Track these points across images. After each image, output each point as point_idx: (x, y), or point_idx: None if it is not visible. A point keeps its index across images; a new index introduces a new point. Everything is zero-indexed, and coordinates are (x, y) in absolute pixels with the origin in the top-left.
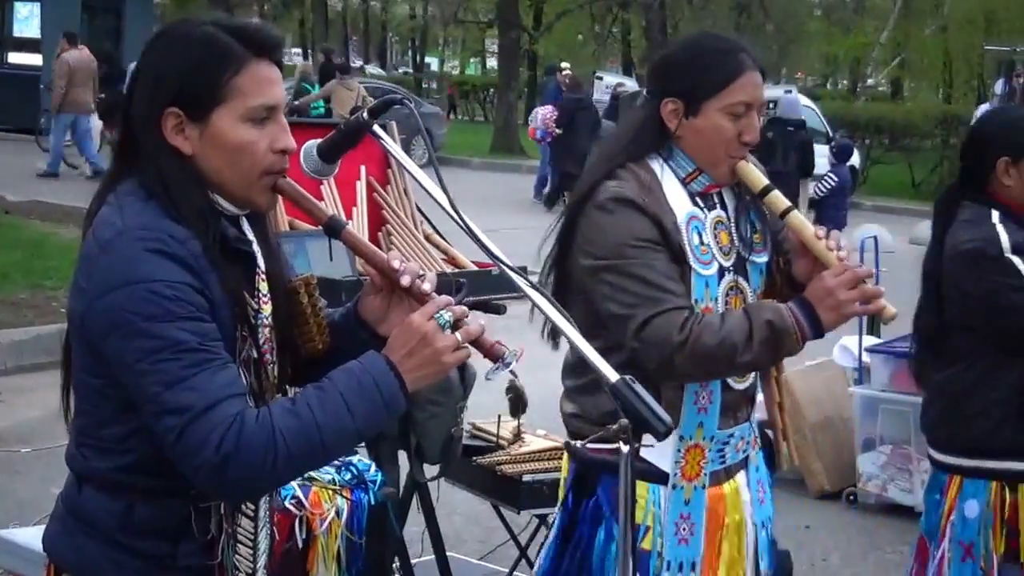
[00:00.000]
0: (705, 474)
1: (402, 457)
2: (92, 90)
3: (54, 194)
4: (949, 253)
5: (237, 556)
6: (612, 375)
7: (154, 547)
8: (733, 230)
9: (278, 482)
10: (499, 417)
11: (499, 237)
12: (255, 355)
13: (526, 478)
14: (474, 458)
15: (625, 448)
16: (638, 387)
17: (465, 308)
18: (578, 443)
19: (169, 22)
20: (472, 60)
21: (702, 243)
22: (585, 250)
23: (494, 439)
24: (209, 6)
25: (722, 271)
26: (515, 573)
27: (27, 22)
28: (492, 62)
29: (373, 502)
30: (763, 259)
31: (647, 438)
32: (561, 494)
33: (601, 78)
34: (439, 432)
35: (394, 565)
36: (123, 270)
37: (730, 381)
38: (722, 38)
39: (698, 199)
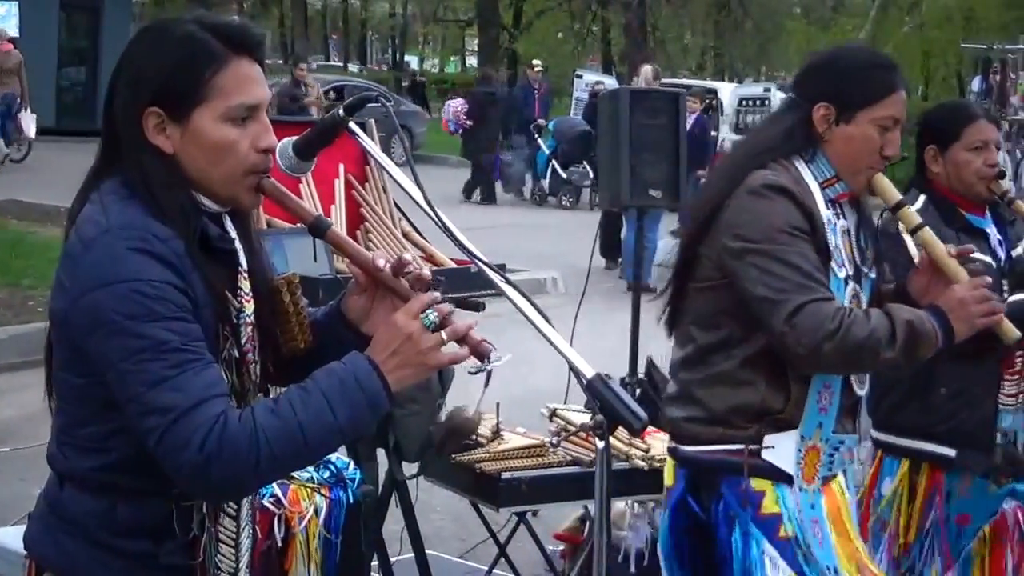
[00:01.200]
0: (819, 478)
1: (381, 455)
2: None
3: (31, 193)
4: None
5: (219, 556)
6: (588, 371)
7: (136, 546)
8: (854, 242)
9: (261, 482)
10: (479, 414)
11: (477, 235)
12: (237, 354)
13: (505, 476)
14: (453, 456)
15: (600, 444)
16: (614, 384)
17: (451, 306)
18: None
19: (150, 20)
20: (452, 59)
21: (837, 246)
22: (734, 233)
23: (473, 437)
24: (188, 5)
25: (847, 278)
26: (494, 571)
27: (4, 21)
28: (472, 60)
29: (352, 500)
30: (873, 275)
31: (768, 439)
32: (664, 501)
33: (581, 76)
34: (418, 430)
35: (373, 564)
36: (106, 269)
37: (853, 385)
38: (879, 54)
39: (831, 205)
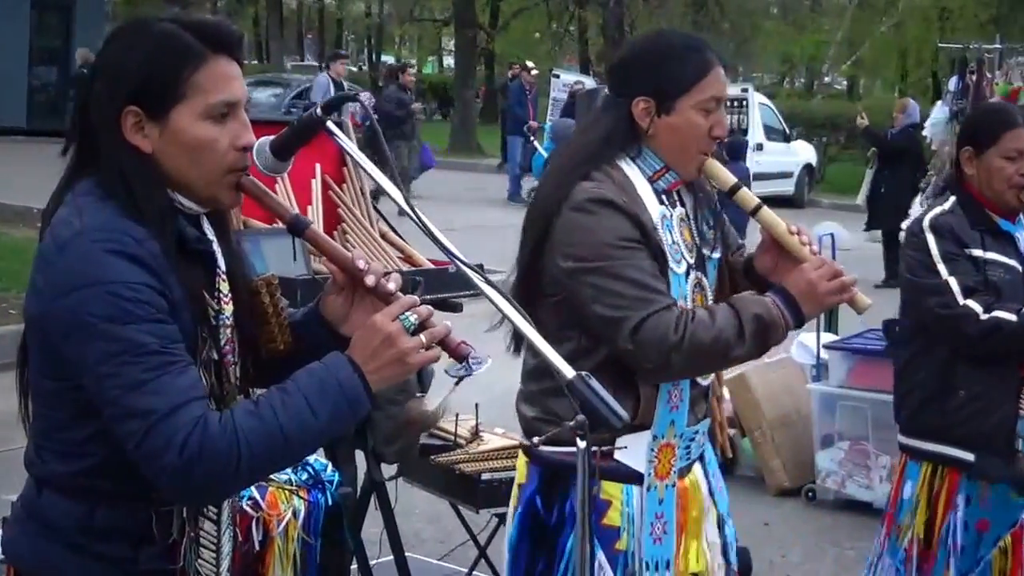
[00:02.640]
0: (675, 471)
1: (359, 457)
2: None
3: (4, 194)
4: None
5: (200, 560)
6: (568, 372)
7: (115, 551)
8: (694, 227)
9: (242, 485)
10: (457, 416)
11: (457, 235)
12: (216, 357)
13: (484, 477)
14: (432, 457)
15: (583, 444)
16: (594, 383)
17: (431, 308)
18: (535, 440)
19: (127, 19)
20: (429, 58)
21: (673, 241)
22: (565, 252)
23: (452, 438)
24: (163, 3)
25: (688, 268)
26: (474, 573)
27: None
28: (449, 60)
29: (330, 502)
30: (717, 255)
31: (621, 440)
32: (517, 497)
33: (558, 76)
34: (397, 432)
35: (352, 567)
36: (82, 271)
37: (698, 378)
38: (686, 35)
39: (663, 197)
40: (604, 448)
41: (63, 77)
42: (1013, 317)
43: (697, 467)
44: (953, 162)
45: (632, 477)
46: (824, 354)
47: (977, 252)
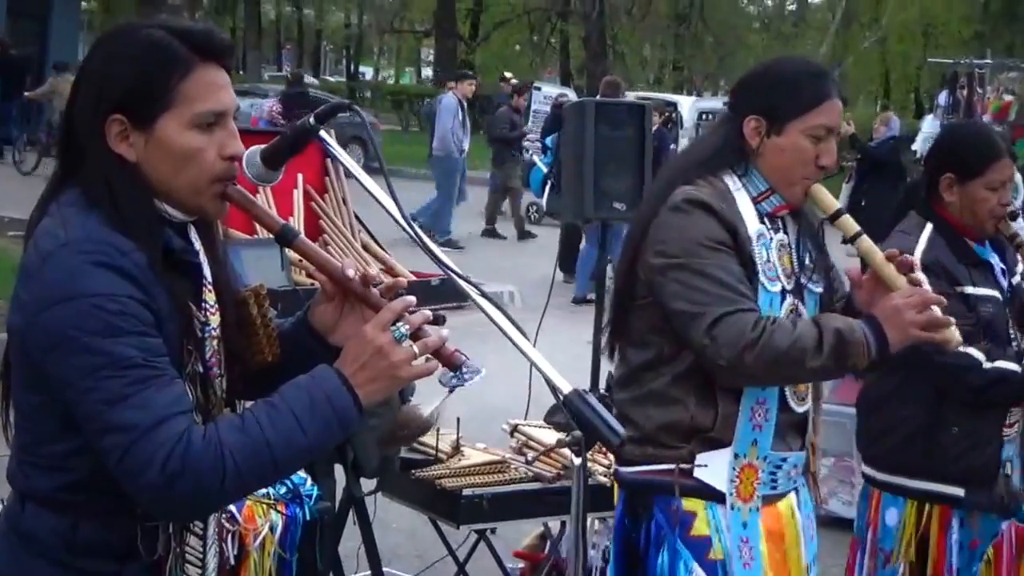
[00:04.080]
0: (758, 496)
1: (338, 470)
2: None
3: None
4: None
5: None
6: (565, 386)
7: (99, 566)
8: (794, 255)
9: (226, 501)
10: (438, 430)
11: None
12: (201, 369)
13: (466, 492)
14: (412, 472)
15: (577, 460)
16: (591, 398)
17: (427, 314)
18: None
19: (98, 28)
20: (407, 70)
21: (769, 260)
22: (656, 249)
23: (433, 452)
24: (138, 11)
25: (784, 292)
26: None
27: None
28: (428, 71)
29: (308, 517)
30: (819, 289)
31: (701, 457)
32: (614, 524)
33: (540, 88)
34: (377, 445)
35: None
36: (65, 283)
37: (790, 402)
38: (811, 62)
39: (766, 219)
40: (683, 466)
41: (37, 86)
42: (1017, 368)
43: (792, 497)
44: (925, 186)
45: (714, 496)
46: None
47: (969, 289)
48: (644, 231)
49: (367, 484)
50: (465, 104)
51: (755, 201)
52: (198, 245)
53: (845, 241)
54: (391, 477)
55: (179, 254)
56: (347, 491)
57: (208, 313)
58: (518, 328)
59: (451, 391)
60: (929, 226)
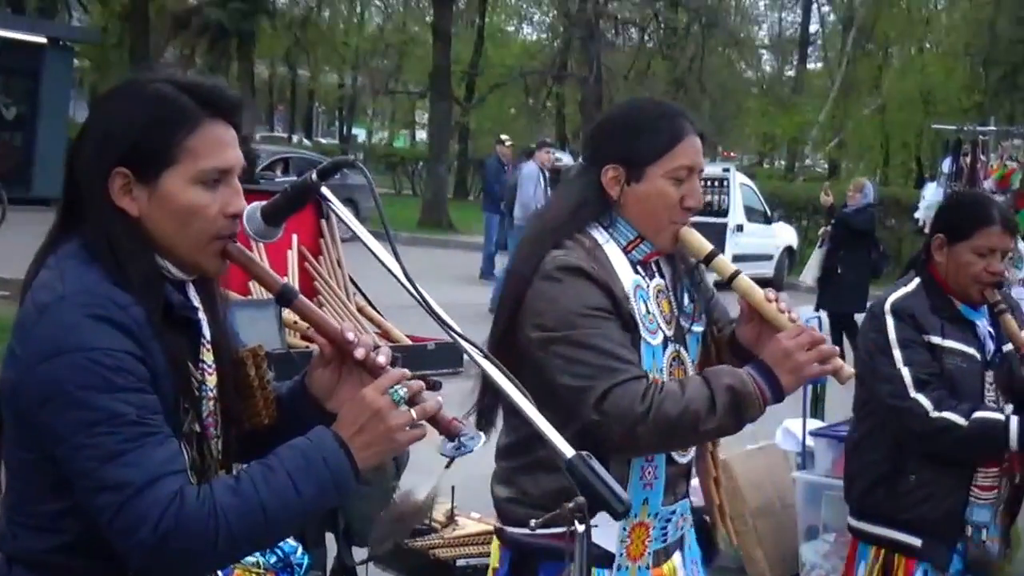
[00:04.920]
0: (649, 553)
1: (330, 539)
2: None
3: None
4: None
5: None
6: (568, 451)
7: None
8: (673, 299)
9: (219, 564)
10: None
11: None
12: (198, 428)
13: (460, 563)
14: (406, 541)
15: (581, 528)
16: (595, 463)
17: (422, 383)
18: (531, 523)
19: (90, 87)
20: (402, 132)
21: (648, 312)
22: (534, 322)
23: (427, 521)
24: (130, 71)
25: (666, 341)
26: None
27: None
28: (422, 134)
29: None
30: (700, 329)
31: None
32: None
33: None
34: (369, 513)
35: None
36: (61, 337)
37: (674, 455)
38: (661, 103)
39: (639, 267)
40: (572, 528)
41: (28, 143)
42: (963, 421)
43: (677, 556)
44: (924, 243)
45: (603, 559)
46: (810, 441)
47: (936, 339)
48: (517, 301)
49: (359, 553)
50: (546, 172)
51: (625, 251)
52: (197, 303)
53: (722, 283)
54: (384, 546)
55: (178, 311)
56: (339, 560)
57: (205, 372)
58: (520, 390)
59: (449, 463)
60: (917, 279)
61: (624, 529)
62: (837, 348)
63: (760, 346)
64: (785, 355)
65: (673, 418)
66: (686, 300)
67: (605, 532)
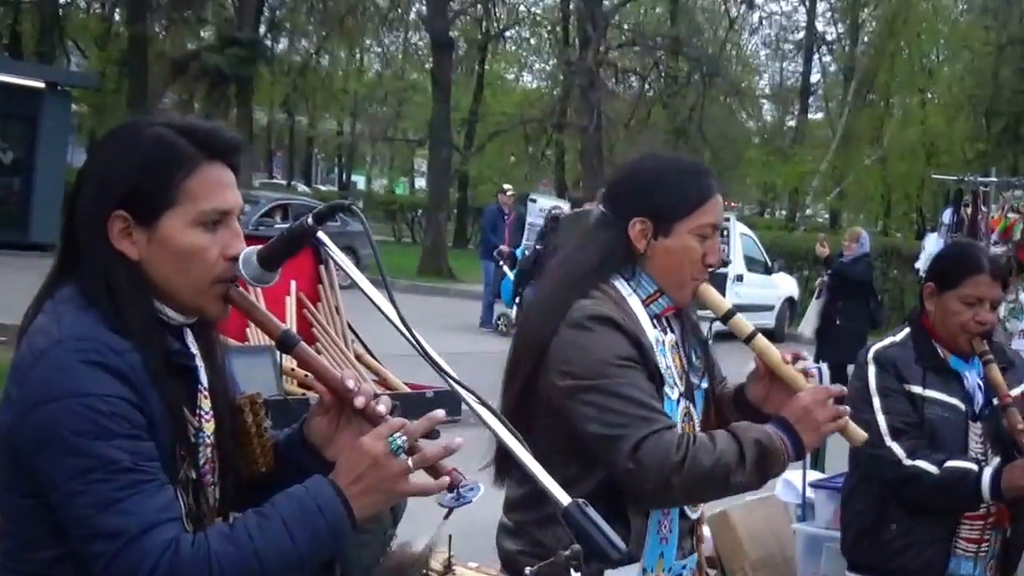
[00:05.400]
0: None
1: None
2: None
3: None
4: None
5: None
6: (564, 499)
7: None
8: (682, 355)
9: None
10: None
11: (423, 361)
12: (194, 476)
13: None
14: None
15: (576, 575)
16: (591, 511)
17: (428, 423)
18: (527, 571)
19: (88, 131)
20: (401, 179)
21: (667, 366)
22: (562, 370)
23: (425, 572)
24: (129, 115)
25: (679, 396)
26: None
27: None
28: (421, 181)
29: None
30: (705, 385)
31: (609, 573)
32: None
33: (535, 201)
34: (366, 563)
35: None
36: (57, 382)
37: (686, 509)
38: (689, 160)
39: (655, 321)
40: None
41: (26, 188)
42: (935, 469)
43: None
44: (919, 294)
45: None
46: (810, 493)
47: (916, 389)
48: (542, 349)
49: None
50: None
51: (644, 304)
52: (194, 349)
53: (744, 341)
54: None
55: (175, 357)
56: None
57: (203, 419)
58: (517, 437)
59: (448, 515)
60: (907, 329)
61: None
62: (847, 408)
63: (769, 404)
64: (805, 412)
65: (707, 469)
66: (694, 356)
67: None
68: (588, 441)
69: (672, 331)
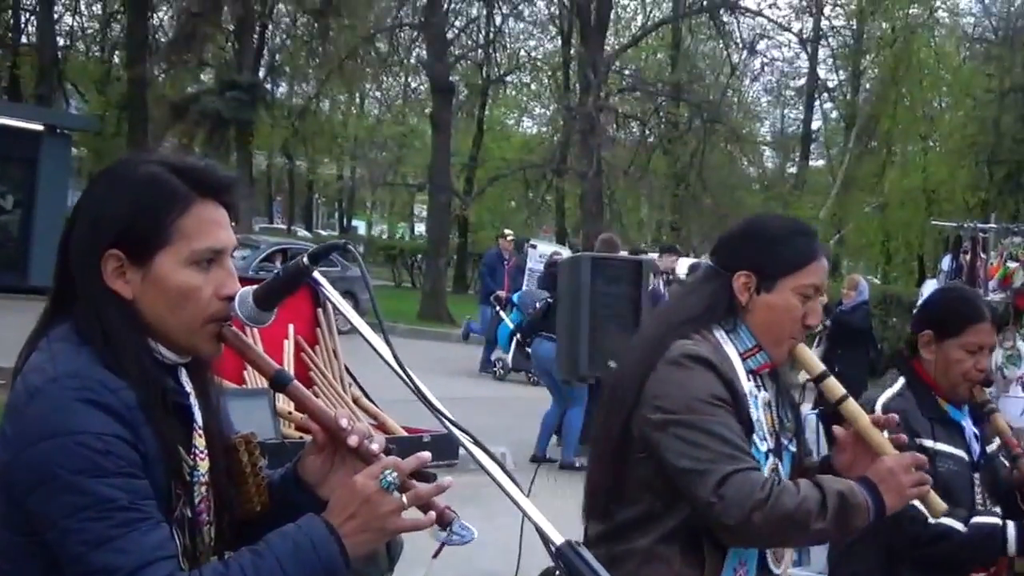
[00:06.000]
0: None
1: None
2: None
3: None
4: None
5: None
6: (557, 538)
7: None
8: (775, 414)
9: None
10: None
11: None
12: (190, 514)
13: None
14: None
15: None
16: (583, 551)
17: (420, 460)
18: None
19: (116, 159)
20: (401, 224)
21: (759, 419)
22: (655, 404)
23: None
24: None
25: (768, 451)
26: None
27: None
28: (421, 227)
29: None
30: (794, 448)
31: None
32: None
33: (535, 247)
34: None
35: None
36: (52, 420)
37: (770, 564)
38: (800, 221)
39: (750, 376)
40: None
41: (25, 231)
42: (961, 527)
43: None
44: (908, 340)
45: None
46: None
47: (928, 443)
48: (639, 386)
49: None
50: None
51: (742, 358)
52: (189, 388)
53: (834, 404)
54: None
55: (170, 395)
56: None
57: (197, 458)
58: (511, 479)
59: (440, 549)
60: (902, 379)
61: None
62: (930, 479)
63: (853, 471)
64: (891, 474)
65: (789, 511)
66: (785, 418)
67: None
68: (674, 475)
69: (766, 389)
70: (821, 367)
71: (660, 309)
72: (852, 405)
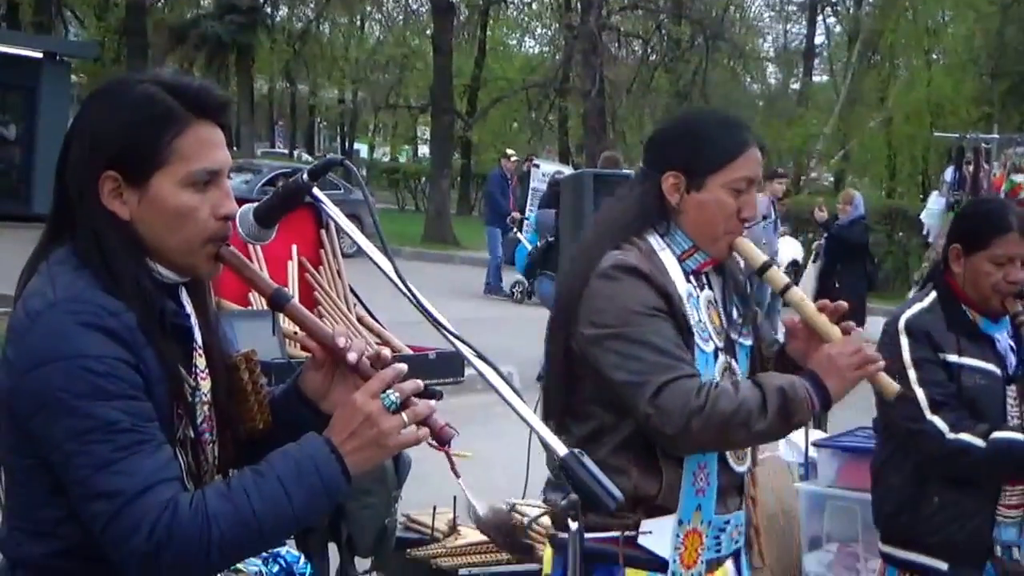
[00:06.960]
0: (702, 562)
1: (332, 549)
2: None
3: None
4: None
5: None
6: (561, 449)
7: None
8: (722, 311)
9: (213, 570)
10: (434, 508)
11: (431, 328)
12: (192, 435)
13: (462, 572)
14: (408, 551)
15: (574, 525)
16: (587, 460)
17: (418, 383)
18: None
19: (111, 79)
20: (404, 147)
21: (700, 320)
22: (589, 320)
23: (429, 531)
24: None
25: (716, 351)
26: None
27: None
28: (424, 149)
29: None
30: (748, 343)
31: (646, 524)
32: None
33: (538, 166)
34: (372, 523)
35: None
36: (53, 345)
37: (730, 462)
38: (724, 114)
39: (691, 277)
40: (628, 533)
41: (26, 160)
42: (981, 443)
43: (729, 563)
44: (943, 255)
45: (657, 564)
46: (812, 452)
47: (952, 357)
48: (575, 300)
49: (362, 563)
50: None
51: (680, 259)
52: (189, 308)
53: (779, 293)
54: (386, 556)
55: (170, 317)
56: (341, 570)
57: (199, 378)
58: (517, 393)
59: (452, 465)
60: (933, 293)
61: (677, 536)
62: (882, 359)
63: (809, 360)
64: (829, 360)
65: (727, 415)
66: (735, 313)
67: (659, 539)
68: (613, 388)
69: (711, 287)
70: (763, 258)
71: (596, 217)
72: (796, 293)
